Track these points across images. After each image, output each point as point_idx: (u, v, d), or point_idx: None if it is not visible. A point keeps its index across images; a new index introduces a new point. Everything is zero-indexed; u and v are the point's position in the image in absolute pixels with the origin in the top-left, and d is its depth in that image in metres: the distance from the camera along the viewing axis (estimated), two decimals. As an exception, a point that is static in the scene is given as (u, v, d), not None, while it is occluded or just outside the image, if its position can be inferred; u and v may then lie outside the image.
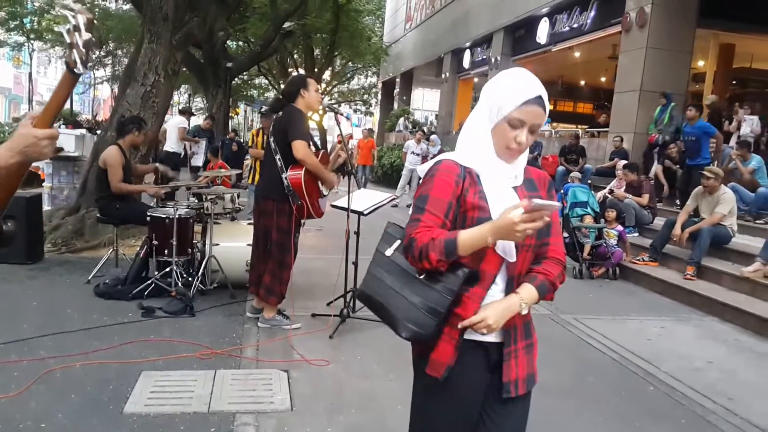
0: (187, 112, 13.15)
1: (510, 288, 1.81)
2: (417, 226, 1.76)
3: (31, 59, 30.12)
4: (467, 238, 1.69)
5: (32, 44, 24.62)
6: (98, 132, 10.72)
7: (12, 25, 20.80)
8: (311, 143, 5.10)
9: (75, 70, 1.49)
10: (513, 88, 1.76)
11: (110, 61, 25.16)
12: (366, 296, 1.91)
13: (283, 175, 4.55)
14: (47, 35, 21.45)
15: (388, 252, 1.87)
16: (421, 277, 1.78)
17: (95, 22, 1.53)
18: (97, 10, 19.73)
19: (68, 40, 1.48)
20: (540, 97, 1.76)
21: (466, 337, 1.80)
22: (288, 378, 3.92)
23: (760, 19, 11.68)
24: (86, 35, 1.48)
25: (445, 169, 1.80)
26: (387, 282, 1.84)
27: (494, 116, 1.78)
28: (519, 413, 1.92)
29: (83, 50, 1.48)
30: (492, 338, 1.82)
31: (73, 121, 17.72)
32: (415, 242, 1.73)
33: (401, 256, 1.83)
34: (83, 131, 11.31)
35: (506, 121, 1.76)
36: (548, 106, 1.79)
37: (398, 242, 1.86)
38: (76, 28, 1.47)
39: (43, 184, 9.13)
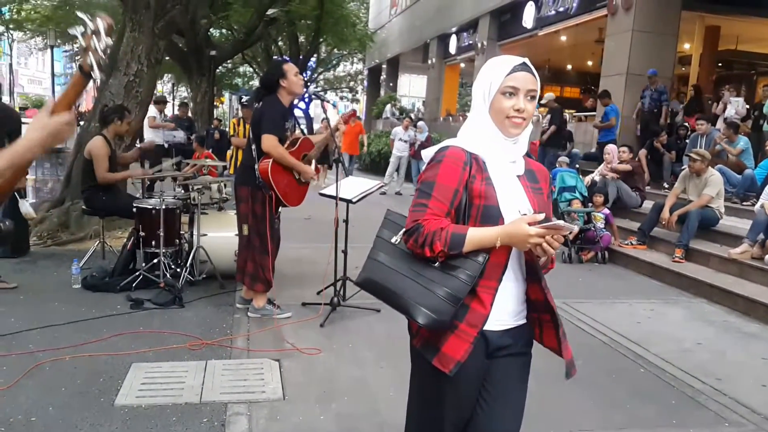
0: (161, 102, 12.70)
1: (533, 275, 1.86)
2: (424, 212, 1.76)
3: (11, 50, 29.73)
4: (476, 237, 1.71)
5: (12, 34, 24.26)
6: (81, 123, 10.58)
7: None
8: (298, 129, 5.06)
9: (92, 75, 1.48)
10: (497, 63, 1.83)
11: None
12: (373, 283, 1.84)
13: (255, 166, 4.55)
14: (27, 25, 21.08)
15: (395, 239, 1.84)
16: (436, 264, 1.76)
17: (113, 26, 1.51)
18: (77, -1, 19.42)
19: (83, 44, 1.46)
20: (525, 64, 1.81)
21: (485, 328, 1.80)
22: (279, 367, 3.91)
23: (745, 1, 11.71)
24: (106, 39, 1.46)
25: (452, 155, 1.80)
26: (398, 269, 1.80)
27: (488, 95, 1.81)
28: (517, 399, 1.94)
29: (101, 55, 1.46)
30: (495, 327, 1.83)
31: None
32: (422, 228, 1.73)
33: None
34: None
35: (500, 93, 1.79)
36: (536, 74, 1.84)
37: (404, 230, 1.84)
38: (95, 32, 1.44)
39: (27, 176, 9.01)
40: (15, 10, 20.13)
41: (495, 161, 1.82)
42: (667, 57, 11.70)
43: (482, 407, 1.88)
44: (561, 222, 1.69)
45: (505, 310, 1.84)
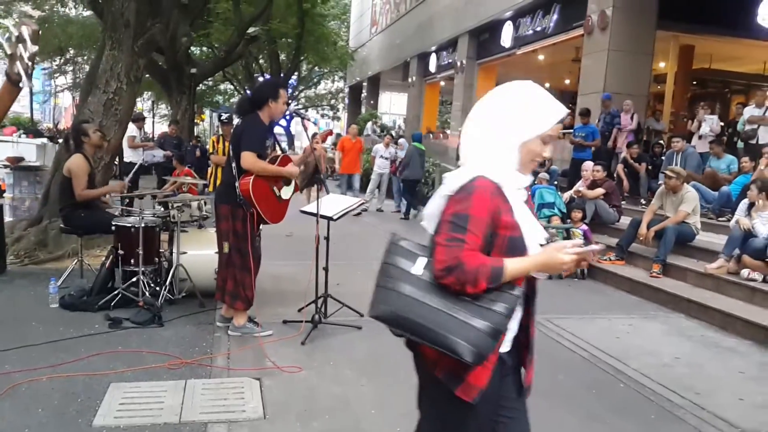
0: (139, 119, 12.47)
1: (531, 302, 1.95)
2: (461, 247, 1.73)
3: (-11, 67, 29.48)
4: (515, 269, 1.75)
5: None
6: (60, 141, 10.51)
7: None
8: (277, 146, 5.08)
9: (20, 84, 1.45)
10: (549, 107, 1.86)
11: (71, 69, 24.67)
12: (401, 318, 1.76)
13: (236, 183, 4.55)
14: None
15: (416, 270, 1.79)
16: (468, 298, 1.74)
17: (39, 33, 1.49)
18: (56, 17, 19.33)
19: (9, 51, 1.44)
20: None
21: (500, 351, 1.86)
22: (260, 386, 3.89)
23: (718, 21, 11.99)
24: (33, 48, 1.44)
25: (481, 185, 1.79)
26: (430, 303, 1.74)
27: (528, 132, 1.84)
28: (526, 413, 2.08)
29: (28, 63, 1.44)
30: (505, 348, 1.90)
31: (33, 130, 17.34)
32: (464, 266, 1.71)
33: (429, 273, 1.78)
34: (44, 140, 11.05)
35: (540, 138, 1.84)
36: None
37: (424, 260, 1.80)
38: (20, 39, 1.43)
39: (4, 194, 8.90)
40: (-7, 28, 19.96)
41: (512, 190, 1.83)
42: (643, 75, 11.91)
43: (501, 425, 1.96)
44: (594, 246, 1.83)
45: (512, 331, 1.91)
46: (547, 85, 23.00)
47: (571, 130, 11.89)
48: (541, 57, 16.93)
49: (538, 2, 14.54)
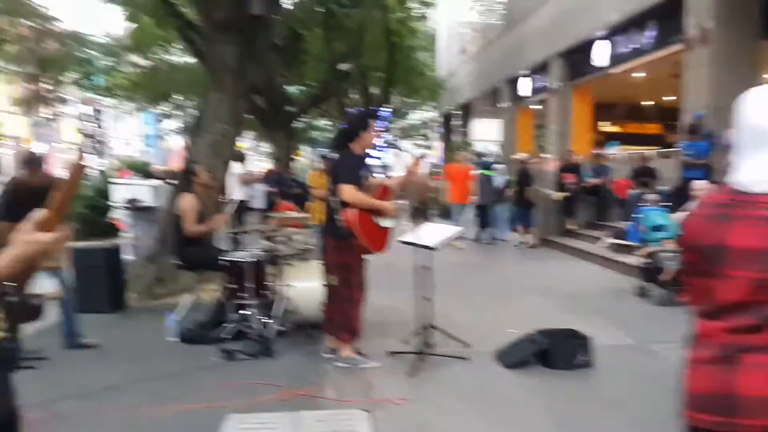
0: (240, 158, 12.60)
1: None
2: None
3: (101, 114, 31.70)
4: None
5: (103, 100, 25.88)
6: (171, 182, 11.13)
7: (87, 84, 22.01)
8: (371, 175, 5.18)
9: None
10: None
11: (180, 113, 26.17)
12: None
13: (338, 216, 4.66)
14: (117, 92, 22.48)
15: None
16: None
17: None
18: (165, 64, 20.59)
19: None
20: None
21: None
22: (370, 417, 3.91)
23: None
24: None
25: None
26: None
27: None
28: None
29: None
30: None
31: (145, 172, 18.45)
32: None
33: None
34: (158, 182, 11.74)
35: None
36: None
37: None
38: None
39: (125, 234, 9.49)
40: (108, 80, 21.59)
41: None
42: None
43: None
44: None
45: None
46: (647, 102, 22.31)
47: (679, 148, 11.40)
48: (638, 74, 16.42)
49: (631, 20, 14.14)
